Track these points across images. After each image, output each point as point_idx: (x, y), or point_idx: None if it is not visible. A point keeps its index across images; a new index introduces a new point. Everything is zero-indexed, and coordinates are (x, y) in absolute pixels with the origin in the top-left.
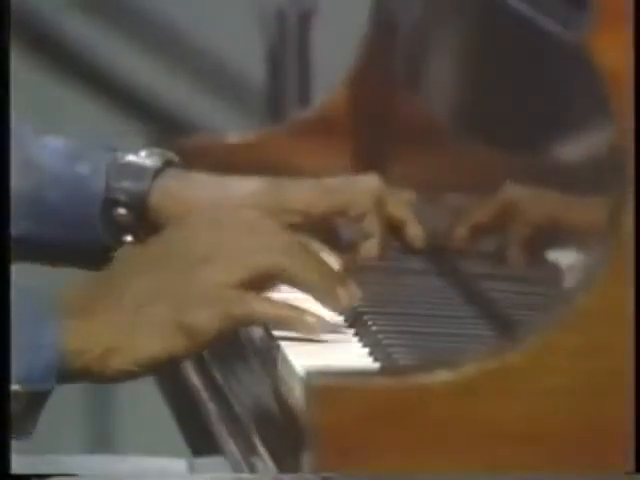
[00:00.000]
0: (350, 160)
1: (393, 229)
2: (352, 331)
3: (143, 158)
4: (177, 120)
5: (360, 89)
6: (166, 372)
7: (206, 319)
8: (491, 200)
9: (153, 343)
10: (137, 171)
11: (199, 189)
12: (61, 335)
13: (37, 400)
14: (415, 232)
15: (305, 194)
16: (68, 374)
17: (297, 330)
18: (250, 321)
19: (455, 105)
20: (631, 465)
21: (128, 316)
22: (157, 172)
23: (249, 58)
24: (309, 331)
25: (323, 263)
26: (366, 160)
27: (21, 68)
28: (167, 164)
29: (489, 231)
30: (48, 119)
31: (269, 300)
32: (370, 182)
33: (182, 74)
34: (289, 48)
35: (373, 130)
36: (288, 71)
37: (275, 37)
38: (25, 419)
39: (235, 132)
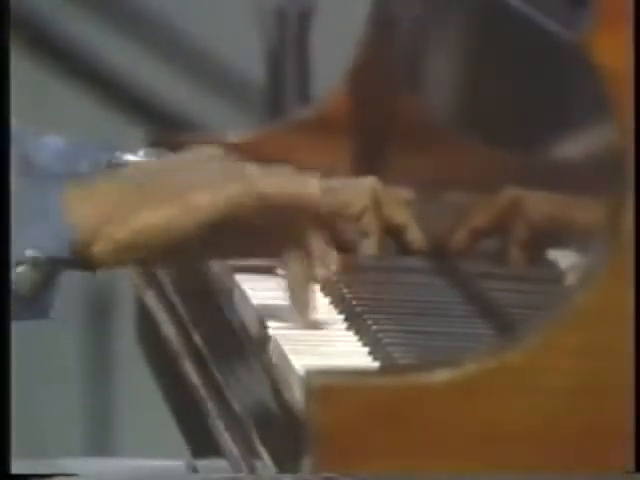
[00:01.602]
0: (349, 158)
1: (392, 231)
2: (352, 330)
3: (142, 157)
4: (177, 119)
5: (360, 87)
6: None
7: (209, 199)
8: (491, 203)
9: (152, 213)
10: None
11: None
12: (66, 204)
13: (54, 270)
14: (414, 236)
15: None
16: (75, 245)
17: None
18: (256, 201)
19: (455, 104)
20: (631, 465)
21: (131, 191)
22: None
23: (248, 57)
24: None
25: None
26: (366, 158)
27: (21, 68)
28: None
29: (489, 234)
30: (48, 119)
31: (275, 178)
32: (368, 183)
33: (181, 73)
34: (289, 46)
35: (373, 128)
36: (288, 69)
37: (275, 35)
38: (44, 290)
39: (235, 131)
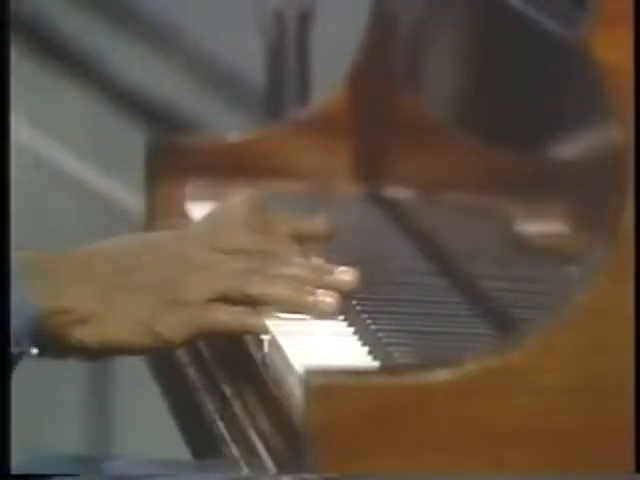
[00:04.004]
0: (349, 158)
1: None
2: (351, 330)
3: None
4: (176, 119)
5: (360, 87)
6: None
7: (173, 327)
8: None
9: (121, 330)
10: None
11: None
12: (36, 296)
13: (17, 362)
14: (311, 226)
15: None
16: (40, 336)
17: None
18: (215, 330)
19: (455, 103)
20: (631, 465)
21: (104, 290)
22: None
23: (249, 57)
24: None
25: (289, 275)
26: (365, 158)
27: (21, 68)
28: None
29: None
30: (48, 119)
31: (234, 310)
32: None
33: (181, 73)
34: (288, 47)
35: (373, 129)
36: (287, 70)
37: (274, 36)
38: None
39: (234, 131)
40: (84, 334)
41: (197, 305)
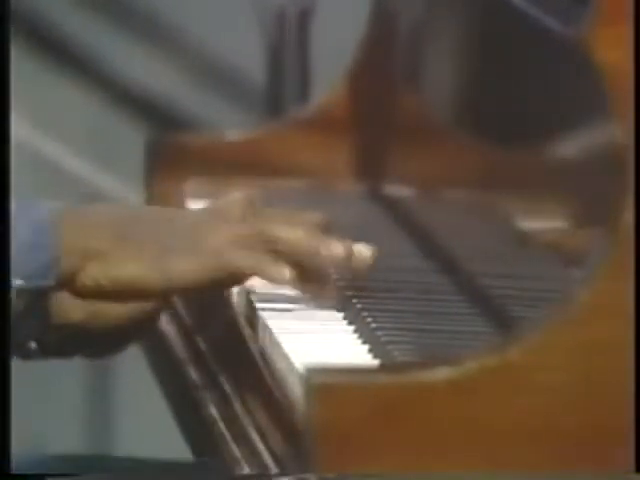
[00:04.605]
0: (349, 157)
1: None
2: (351, 328)
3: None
4: (176, 118)
5: (359, 86)
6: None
7: (188, 267)
8: None
9: (135, 268)
10: None
11: None
12: (55, 234)
13: (38, 299)
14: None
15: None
16: (60, 276)
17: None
18: (230, 275)
19: (455, 102)
20: (631, 465)
21: (120, 235)
22: None
23: (249, 55)
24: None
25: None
26: (365, 158)
27: (21, 67)
28: None
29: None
30: (49, 119)
31: (251, 254)
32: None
33: (181, 72)
34: (288, 45)
35: (372, 127)
36: (287, 68)
37: (274, 34)
38: (26, 320)
39: (234, 129)
40: (98, 271)
41: (214, 248)
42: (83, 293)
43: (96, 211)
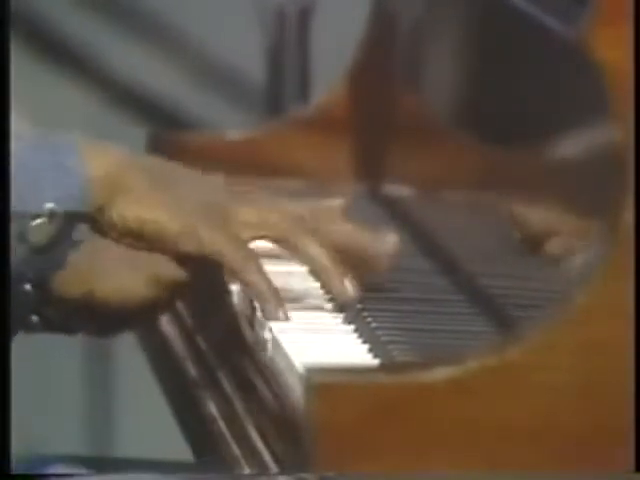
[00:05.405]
0: (349, 157)
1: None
2: (351, 328)
3: None
4: (176, 117)
5: (360, 86)
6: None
7: (214, 233)
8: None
9: (165, 217)
10: None
11: None
12: (87, 160)
13: (70, 225)
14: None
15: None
16: (90, 203)
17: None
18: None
19: (455, 102)
20: (631, 465)
21: (153, 183)
22: None
23: (249, 55)
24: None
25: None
26: (365, 157)
27: (21, 67)
28: None
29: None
30: (49, 119)
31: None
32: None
33: (181, 71)
34: (288, 44)
35: (372, 127)
36: (287, 68)
37: (274, 33)
38: (60, 242)
39: (234, 129)
40: (129, 210)
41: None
42: (110, 233)
43: (130, 153)
